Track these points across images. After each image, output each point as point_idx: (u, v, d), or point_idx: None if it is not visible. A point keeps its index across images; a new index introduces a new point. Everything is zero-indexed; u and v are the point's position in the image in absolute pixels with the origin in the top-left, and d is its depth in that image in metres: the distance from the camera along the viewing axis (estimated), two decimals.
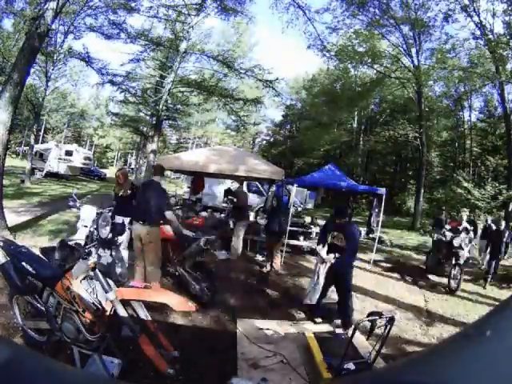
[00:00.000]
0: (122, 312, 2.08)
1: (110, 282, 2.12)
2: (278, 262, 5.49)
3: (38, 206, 8.90)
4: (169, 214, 3.53)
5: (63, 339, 2.20)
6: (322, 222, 8.55)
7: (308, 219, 9.08)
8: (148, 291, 2.29)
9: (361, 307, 3.96)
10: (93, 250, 2.14)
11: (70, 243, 2.32)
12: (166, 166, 6.85)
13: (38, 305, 2.30)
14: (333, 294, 3.72)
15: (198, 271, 3.72)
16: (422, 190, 16.18)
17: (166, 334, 2.82)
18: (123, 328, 2.14)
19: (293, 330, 3.28)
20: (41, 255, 2.33)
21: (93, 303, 2.06)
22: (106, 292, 2.05)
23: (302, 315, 3.80)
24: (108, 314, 2.08)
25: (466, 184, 12.52)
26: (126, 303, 2.17)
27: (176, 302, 2.19)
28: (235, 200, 6.00)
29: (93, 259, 2.11)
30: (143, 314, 2.29)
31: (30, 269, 2.27)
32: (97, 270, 2.08)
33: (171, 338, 2.86)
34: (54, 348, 2.44)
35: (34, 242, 4.84)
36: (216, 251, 3.80)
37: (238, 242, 5.60)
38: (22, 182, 13.87)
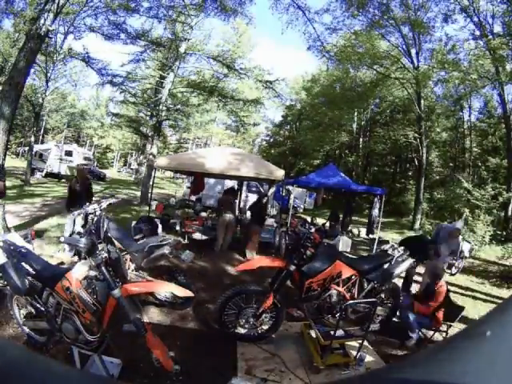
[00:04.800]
0: (127, 309, 2.10)
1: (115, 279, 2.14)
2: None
3: (40, 207, 8.90)
4: None
5: (63, 339, 2.20)
6: (321, 222, 8.58)
7: (309, 218, 9.07)
8: (152, 284, 2.34)
9: None
10: (100, 246, 2.16)
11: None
12: (166, 166, 6.88)
13: (38, 305, 2.30)
14: None
15: (162, 276, 3.55)
16: (422, 191, 16.18)
17: (167, 335, 2.83)
18: (126, 325, 2.15)
19: (293, 329, 3.28)
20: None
21: (93, 303, 2.06)
22: (112, 289, 2.06)
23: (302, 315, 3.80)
24: (111, 311, 2.08)
25: (465, 184, 12.52)
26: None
27: (179, 290, 2.39)
28: None
29: (102, 255, 2.13)
30: (136, 315, 2.29)
31: (30, 269, 2.28)
32: (103, 267, 2.08)
33: (172, 339, 2.87)
34: (54, 348, 2.45)
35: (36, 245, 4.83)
36: (181, 254, 3.72)
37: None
38: (23, 182, 13.90)
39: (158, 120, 13.42)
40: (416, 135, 17.39)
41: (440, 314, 3.33)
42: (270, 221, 7.18)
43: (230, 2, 11.24)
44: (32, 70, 12.18)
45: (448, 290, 3.49)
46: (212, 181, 11.52)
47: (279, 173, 6.20)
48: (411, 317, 3.32)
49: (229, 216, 6.28)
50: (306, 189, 16.91)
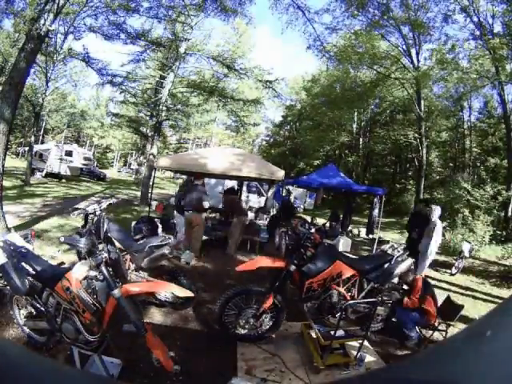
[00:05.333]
0: (128, 309, 2.10)
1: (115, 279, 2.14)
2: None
3: (40, 207, 8.90)
4: (206, 204, 5.31)
5: (63, 339, 2.20)
6: (321, 222, 8.58)
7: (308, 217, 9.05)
8: (152, 284, 2.34)
9: None
10: (100, 246, 2.16)
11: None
12: (167, 166, 6.87)
13: (38, 305, 2.30)
14: None
15: (162, 276, 3.54)
16: (422, 191, 16.18)
17: (168, 335, 2.82)
18: (126, 325, 2.15)
19: (293, 329, 3.28)
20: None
21: (92, 303, 2.06)
22: (112, 289, 2.06)
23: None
24: (111, 311, 2.08)
25: (465, 184, 12.53)
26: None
27: (179, 290, 2.37)
28: None
29: (102, 255, 2.14)
30: (136, 315, 2.29)
31: (30, 269, 2.28)
32: (103, 267, 2.08)
33: (172, 339, 2.86)
34: (54, 348, 2.45)
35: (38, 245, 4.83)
36: (181, 254, 3.72)
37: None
38: (23, 182, 13.90)
39: (158, 120, 13.42)
40: (416, 135, 17.39)
41: (431, 308, 3.31)
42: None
43: (229, 1, 11.24)
44: (32, 70, 12.19)
45: (425, 283, 3.50)
46: (213, 181, 11.52)
47: (280, 173, 6.20)
48: (402, 313, 3.33)
49: (245, 218, 6.43)
50: (306, 189, 16.92)
